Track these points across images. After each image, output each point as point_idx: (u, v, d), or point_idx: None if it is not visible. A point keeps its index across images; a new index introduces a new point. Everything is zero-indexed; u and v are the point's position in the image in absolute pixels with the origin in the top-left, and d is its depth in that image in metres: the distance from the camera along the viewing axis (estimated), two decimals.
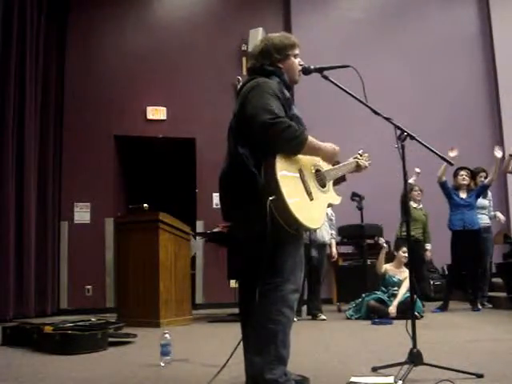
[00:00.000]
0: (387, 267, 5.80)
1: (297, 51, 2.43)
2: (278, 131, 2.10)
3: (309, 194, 2.21)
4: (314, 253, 5.62)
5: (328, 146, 2.39)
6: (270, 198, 2.03)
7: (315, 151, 2.32)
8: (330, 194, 2.41)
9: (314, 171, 2.31)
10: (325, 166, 2.40)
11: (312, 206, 2.21)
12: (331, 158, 2.44)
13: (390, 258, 6.05)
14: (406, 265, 5.80)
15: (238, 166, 2.17)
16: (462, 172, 6.21)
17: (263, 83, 2.25)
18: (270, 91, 2.20)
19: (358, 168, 2.74)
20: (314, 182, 2.28)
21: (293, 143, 2.15)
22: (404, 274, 5.69)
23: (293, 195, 2.09)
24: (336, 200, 2.46)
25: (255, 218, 2.10)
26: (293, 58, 2.41)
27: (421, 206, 6.68)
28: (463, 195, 6.22)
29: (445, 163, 5.56)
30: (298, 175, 2.20)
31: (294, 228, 2.13)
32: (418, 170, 6.37)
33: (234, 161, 2.21)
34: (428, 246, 6.60)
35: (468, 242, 6.03)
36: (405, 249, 5.71)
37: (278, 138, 2.11)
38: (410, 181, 6.33)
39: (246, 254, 2.28)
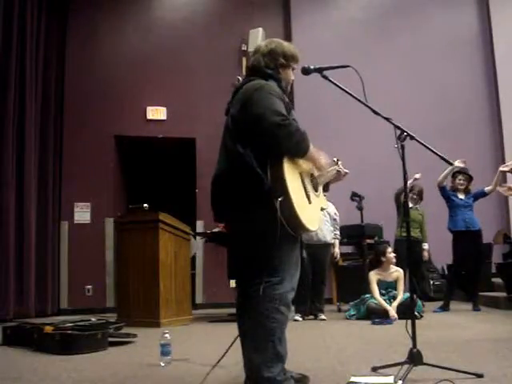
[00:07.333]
0: (375, 275, 5.70)
1: (296, 66, 2.46)
2: (288, 132, 2.11)
3: (307, 197, 2.29)
4: (304, 254, 5.59)
5: (322, 156, 2.38)
6: (280, 199, 2.06)
7: (312, 159, 2.33)
8: (321, 198, 2.51)
9: (309, 176, 2.39)
10: (316, 172, 2.47)
11: (310, 208, 2.29)
12: (321, 168, 2.43)
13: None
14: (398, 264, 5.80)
15: (241, 167, 2.15)
16: (460, 176, 6.27)
17: (266, 85, 2.25)
18: (274, 93, 2.22)
19: (339, 174, 2.80)
20: (310, 186, 2.35)
21: (300, 146, 2.19)
22: (393, 274, 5.68)
23: (297, 198, 2.15)
24: (325, 204, 2.59)
25: (257, 218, 2.14)
26: (291, 70, 2.44)
27: (417, 205, 6.63)
28: (461, 196, 6.28)
29: (449, 167, 5.60)
30: (299, 178, 2.26)
31: (293, 229, 2.15)
32: (417, 175, 6.32)
33: (235, 161, 2.18)
34: (425, 246, 6.58)
35: (470, 242, 6.08)
36: (390, 249, 5.72)
37: (287, 139, 2.11)
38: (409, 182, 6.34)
39: (243, 253, 2.28)
